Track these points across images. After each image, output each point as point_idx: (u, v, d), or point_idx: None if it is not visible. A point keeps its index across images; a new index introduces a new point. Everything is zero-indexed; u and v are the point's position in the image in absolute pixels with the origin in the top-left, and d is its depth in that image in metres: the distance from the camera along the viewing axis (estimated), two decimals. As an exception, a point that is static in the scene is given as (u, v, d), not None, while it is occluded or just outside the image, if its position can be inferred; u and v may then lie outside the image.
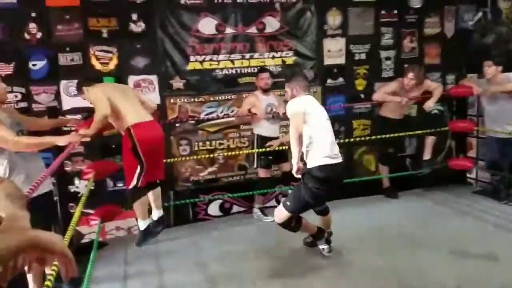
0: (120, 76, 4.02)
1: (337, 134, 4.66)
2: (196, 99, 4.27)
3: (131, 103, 3.12)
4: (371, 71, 4.80)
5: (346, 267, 3.09)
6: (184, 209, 4.32)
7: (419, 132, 4.33)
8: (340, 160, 2.92)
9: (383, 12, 4.73)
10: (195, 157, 4.27)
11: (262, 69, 4.17)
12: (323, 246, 3.24)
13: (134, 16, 4.01)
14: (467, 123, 4.72)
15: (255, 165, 4.18)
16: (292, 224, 3.00)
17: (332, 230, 3.30)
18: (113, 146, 4.09)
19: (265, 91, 4.06)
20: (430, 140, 4.45)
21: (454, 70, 5.08)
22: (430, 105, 4.28)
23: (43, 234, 0.73)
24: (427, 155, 4.48)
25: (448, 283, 2.74)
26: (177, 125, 4.25)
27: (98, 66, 3.98)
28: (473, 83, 4.32)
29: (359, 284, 2.85)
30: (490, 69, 4.05)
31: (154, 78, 4.12)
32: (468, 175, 5.14)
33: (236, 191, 4.28)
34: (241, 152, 4.35)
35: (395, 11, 4.76)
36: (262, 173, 4.16)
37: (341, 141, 4.47)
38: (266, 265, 3.19)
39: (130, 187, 3.13)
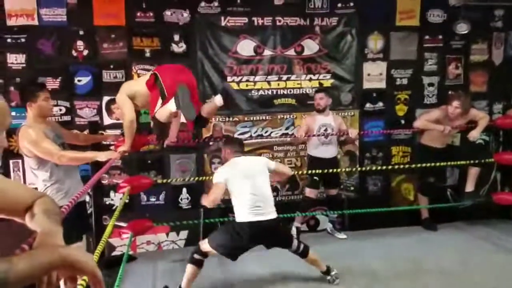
0: (159, 93, 4.13)
1: (374, 160, 4.57)
2: (231, 119, 4.30)
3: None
4: (413, 97, 4.65)
5: None
6: (213, 227, 4.28)
7: (462, 162, 4.10)
8: (268, 217, 3.00)
9: (427, 37, 4.59)
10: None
11: (318, 89, 4.24)
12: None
13: (176, 37, 4.13)
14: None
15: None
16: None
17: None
18: (149, 161, 4.19)
19: (319, 111, 4.08)
20: (473, 171, 4.22)
21: (501, 99, 4.83)
22: (475, 135, 4.07)
23: (75, 252, 0.76)
24: (469, 187, 4.25)
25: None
26: (210, 143, 4.28)
27: (139, 83, 4.11)
28: (522, 114, 4.06)
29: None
30: (541, 99, 3.80)
31: (192, 97, 4.21)
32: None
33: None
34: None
35: (440, 37, 4.61)
36: (308, 192, 4.21)
37: (378, 167, 4.37)
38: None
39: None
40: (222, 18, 4.15)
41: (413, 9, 4.51)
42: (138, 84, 3.10)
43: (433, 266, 3.47)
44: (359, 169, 4.52)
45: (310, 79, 4.37)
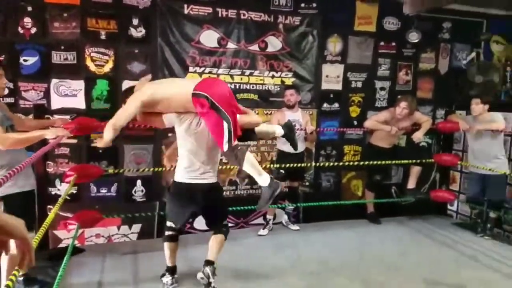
0: (114, 79, 3.94)
1: (328, 157, 4.75)
2: (191, 111, 4.20)
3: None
4: (366, 100, 4.88)
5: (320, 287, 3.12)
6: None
7: (406, 162, 4.40)
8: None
9: (382, 43, 4.83)
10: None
11: (288, 86, 4.31)
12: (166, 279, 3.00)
13: (135, 21, 3.95)
14: (452, 157, 4.83)
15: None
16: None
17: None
18: (100, 151, 3.95)
19: (289, 107, 4.14)
20: (415, 170, 4.55)
21: (444, 106, 5.22)
22: (418, 136, 4.38)
23: (4, 217, 0.76)
24: (411, 185, 4.59)
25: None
26: (169, 134, 4.15)
27: (92, 67, 3.89)
28: (460, 119, 4.44)
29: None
30: (477, 107, 4.16)
31: (149, 85, 4.05)
32: (449, 207, 5.28)
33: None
34: (234, 167, 4.25)
35: (394, 44, 4.87)
36: None
37: (331, 164, 4.55)
38: (241, 282, 3.13)
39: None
40: (186, 5, 4.04)
41: (370, 16, 4.72)
42: (175, 99, 2.55)
43: (375, 256, 3.72)
44: (318, 164, 4.69)
45: (273, 76, 4.41)
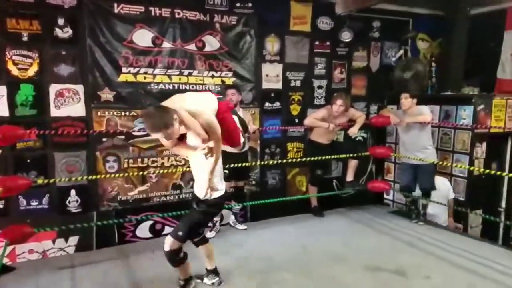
0: (40, 83, 3.68)
1: (273, 155, 4.82)
2: (127, 113, 4.03)
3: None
4: (305, 98, 5.00)
5: (267, 285, 3.13)
6: (108, 230, 3.99)
7: (343, 156, 4.58)
8: None
9: (317, 43, 4.97)
10: (124, 174, 3.97)
11: (228, 85, 4.30)
12: (212, 280, 3.10)
13: (61, 21, 3.71)
14: (385, 149, 5.13)
15: None
16: (180, 256, 2.87)
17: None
18: (28, 160, 3.67)
19: None
20: (353, 164, 4.75)
21: (377, 101, 5.50)
22: (353, 131, 4.58)
23: None
24: (349, 177, 4.80)
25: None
26: (104, 139, 3.95)
27: (15, 71, 3.60)
28: (391, 114, 4.70)
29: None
30: (406, 101, 4.42)
31: (79, 88, 3.83)
32: (385, 196, 5.57)
33: (169, 212, 4.02)
34: (177, 170, 4.20)
35: (328, 43, 5.03)
36: None
37: (276, 162, 4.66)
38: None
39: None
40: (116, 4, 3.87)
41: (305, 15, 4.84)
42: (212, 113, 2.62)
43: (320, 248, 3.83)
44: (262, 163, 4.76)
45: (213, 76, 4.35)
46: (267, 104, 4.77)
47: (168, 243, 2.77)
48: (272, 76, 4.75)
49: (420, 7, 5.47)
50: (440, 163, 4.66)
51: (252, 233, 4.29)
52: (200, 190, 2.79)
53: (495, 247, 4.00)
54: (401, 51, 5.48)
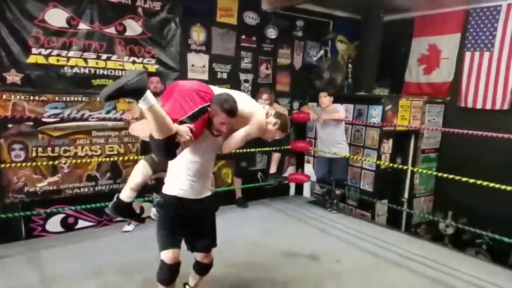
0: None
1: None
2: (37, 98, 3.71)
3: None
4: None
5: (187, 276, 3.03)
6: (14, 224, 3.66)
7: (267, 149, 4.72)
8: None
9: (243, 37, 5.03)
10: (32, 164, 3.68)
11: (151, 73, 4.12)
12: None
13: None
14: (305, 143, 5.42)
15: None
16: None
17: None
18: None
19: (154, 95, 3.87)
20: (276, 156, 4.93)
21: (299, 98, 5.73)
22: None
23: None
24: (272, 169, 4.96)
25: (277, 280, 3.11)
26: (9, 125, 3.59)
27: None
28: (310, 110, 4.97)
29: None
30: (325, 99, 4.69)
31: (-20, 68, 3.45)
32: (305, 187, 5.83)
33: (83, 205, 3.78)
34: (92, 160, 3.96)
35: (254, 38, 5.12)
36: None
37: None
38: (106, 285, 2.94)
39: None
40: (26, -21, 3.54)
41: (231, 8, 4.86)
42: None
43: (242, 238, 3.90)
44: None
45: (134, 62, 4.18)
46: (192, 94, 4.71)
47: (211, 257, 2.62)
48: (198, 66, 4.71)
49: (340, 10, 5.81)
50: (352, 157, 5.03)
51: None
52: (207, 189, 2.45)
53: (398, 233, 4.40)
54: (322, 51, 5.77)
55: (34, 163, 3.68)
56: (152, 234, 3.87)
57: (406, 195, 5.61)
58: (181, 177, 2.31)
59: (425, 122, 5.41)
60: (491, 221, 4.50)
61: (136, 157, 4.08)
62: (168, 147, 1.89)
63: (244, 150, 4.47)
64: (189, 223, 2.40)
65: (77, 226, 4.03)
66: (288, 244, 3.78)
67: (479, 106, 5.16)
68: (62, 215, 3.96)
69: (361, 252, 3.70)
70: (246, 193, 5.03)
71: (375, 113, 5.02)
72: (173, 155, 1.98)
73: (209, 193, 2.46)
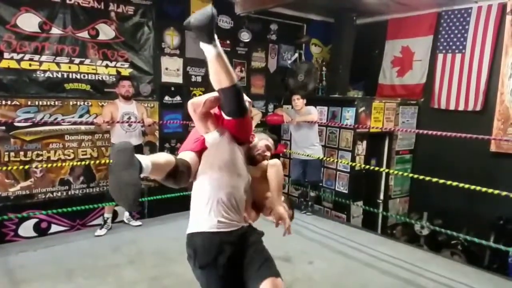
0: None
1: (173, 150, 4.79)
2: (9, 102, 3.70)
3: None
4: (206, 93, 5.04)
5: (159, 279, 3.13)
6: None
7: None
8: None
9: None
10: (4, 168, 3.64)
11: (123, 76, 4.17)
12: None
13: None
14: (279, 146, 5.41)
15: None
16: None
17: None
18: None
19: (126, 98, 3.99)
20: None
21: (274, 101, 5.82)
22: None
23: None
24: None
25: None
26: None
27: None
28: (284, 113, 5.02)
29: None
30: (299, 101, 4.77)
31: (-51, 72, 3.43)
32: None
33: (56, 209, 3.77)
34: (65, 164, 3.96)
35: (228, 42, 5.18)
36: None
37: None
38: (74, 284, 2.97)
39: None
40: (-3, -15, 3.53)
41: (205, 12, 4.90)
42: None
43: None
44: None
45: (107, 66, 4.20)
46: (166, 98, 4.75)
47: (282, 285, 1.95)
48: (172, 69, 4.75)
49: (314, 14, 5.91)
50: (327, 159, 5.10)
51: (147, 230, 4.24)
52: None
53: (371, 234, 4.45)
54: (296, 55, 5.87)
55: (6, 168, 3.65)
56: (125, 238, 3.93)
57: (381, 196, 5.66)
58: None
59: (399, 123, 5.51)
60: (466, 222, 4.57)
61: (109, 161, 4.08)
62: (241, 94, 1.71)
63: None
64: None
65: (50, 231, 4.01)
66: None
67: (452, 107, 5.22)
68: (35, 220, 3.95)
69: (334, 254, 3.73)
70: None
71: (348, 115, 5.11)
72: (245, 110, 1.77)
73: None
